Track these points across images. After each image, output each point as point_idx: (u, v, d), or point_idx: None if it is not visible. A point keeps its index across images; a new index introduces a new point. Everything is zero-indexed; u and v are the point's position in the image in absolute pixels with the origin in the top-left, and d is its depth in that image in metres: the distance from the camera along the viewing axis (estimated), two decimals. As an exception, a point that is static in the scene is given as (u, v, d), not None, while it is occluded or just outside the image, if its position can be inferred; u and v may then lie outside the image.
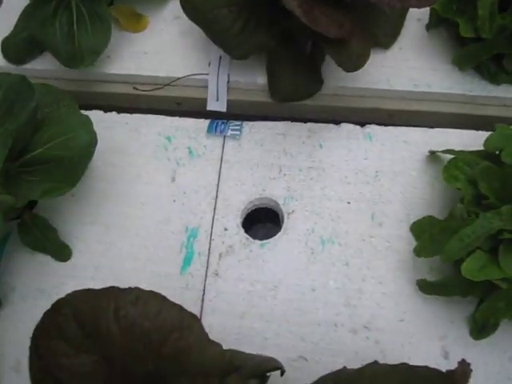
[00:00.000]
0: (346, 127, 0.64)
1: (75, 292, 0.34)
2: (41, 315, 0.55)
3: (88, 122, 0.52)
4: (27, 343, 0.54)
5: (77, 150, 0.51)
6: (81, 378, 0.32)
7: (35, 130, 0.52)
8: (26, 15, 0.68)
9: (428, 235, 0.51)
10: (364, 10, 0.62)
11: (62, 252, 0.57)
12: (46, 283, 0.57)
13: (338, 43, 0.55)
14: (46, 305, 0.55)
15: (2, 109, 0.49)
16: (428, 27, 0.69)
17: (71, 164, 0.51)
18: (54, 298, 0.54)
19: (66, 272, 0.57)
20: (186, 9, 0.63)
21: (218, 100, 0.69)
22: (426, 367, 0.35)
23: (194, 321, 0.32)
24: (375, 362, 0.38)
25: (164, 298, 0.33)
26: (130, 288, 0.33)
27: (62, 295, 0.51)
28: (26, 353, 0.53)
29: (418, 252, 0.51)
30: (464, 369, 0.36)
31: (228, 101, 0.68)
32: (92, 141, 0.51)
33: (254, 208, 0.61)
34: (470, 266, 0.46)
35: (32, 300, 0.56)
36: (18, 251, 0.58)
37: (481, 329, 0.51)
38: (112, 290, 0.33)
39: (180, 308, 0.33)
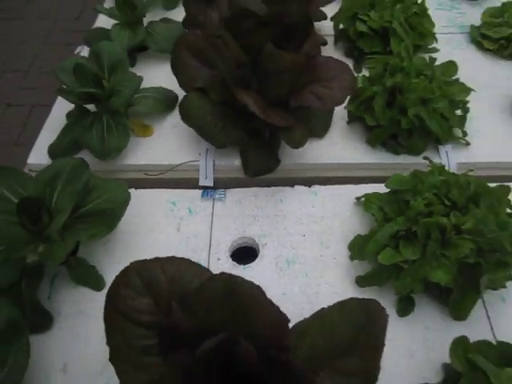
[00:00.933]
0: (298, 188, 0.91)
1: (135, 261, 0.55)
2: (81, 331, 0.74)
3: (124, 185, 0.77)
4: (71, 351, 0.72)
5: (117, 204, 0.75)
6: (138, 312, 0.52)
7: (87, 193, 0.76)
8: (70, 127, 0.97)
9: (357, 245, 0.76)
10: (302, 112, 0.93)
11: (98, 284, 0.77)
12: (86, 307, 0.76)
13: (285, 130, 0.85)
14: (86, 323, 0.75)
15: (68, 179, 0.74)
16: (348, 122, 1.02)
17: (112, 214, 0.75)
18: (93, 319, 0.74)
19: (101, 298, 0.77)
20: (183, 118, 0.93)
21: (207, 178, 0.95)
22: (352, 298, 0.57)
23: (207, 271, 0.54)
24: (323, 308, 0.59)
25: (190, 261, 0.55)
26: (169, 256, 0.55)
27: (96, 317, 0.72)
28: (70, 358, 0.71)
29: (352, 257, 0.75)
30: (374, 301, 0.58)
31: (214, 178, 0.95)
32: (127, 197, 0.76)
33: (238, 246, 0.84)
34: (383, 256, 0.70)
35: (74, 320, 0.75)
36: (64, 286, 0.78)
37: (403, 309, 0.73)
38: (159, 259, 0.55)
39: (200, 265, 0.55)
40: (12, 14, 2.55)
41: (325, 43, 1.17)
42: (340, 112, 1.03)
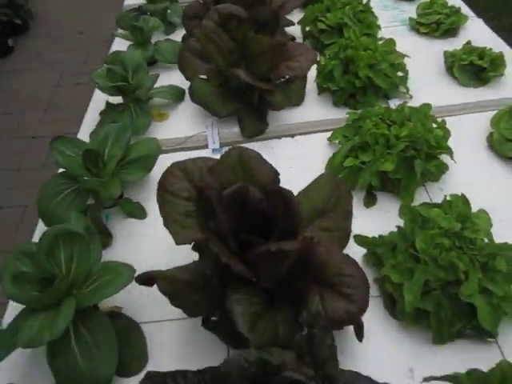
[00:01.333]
0: (284, 139, 1.19)
1: (176, 161, 0.82)
2: (134, 245, 0.99)
3: (155, 139, 1.05)
4: (128, 258, 0.96)
5: (152, 151, 1.03)
6: (180, 191, 0.78)
7: (129, 147, 1.04)
8: (104, 118, 1.26)
9: (329, 162, 1.03)
10: (281, 85, 1.23)
11: (142, 214, 1.04)
12: (134, 230, 1.02)
13: (269, 94, 1.14)
14: (136, 240, 1.00)
15: (115, 137, 1.02)
16: (318, 93, 1.31)
17: (148, 160, 1.03)
18: (141, 236, 1.00)
19: (143, 223, 1.03)
20: (192, 98, 1.23)
21: (214, 143, 1.24)
22: (323, 173, 0.84)
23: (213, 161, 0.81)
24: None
25: (211, 157, 0.82)
26: (198, 156, 0.82)
27: (144, 235, 0.98)
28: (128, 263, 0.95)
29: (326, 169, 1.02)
30: (339, 178, 0.85)
31: (220, 143, 1.23)
32: (159, 147, 1.04)
33: (243, 183, 1.11)
34: (347, 162, 0.97)
35: (127, 239, 1.00)
36: (115, 220, 1.04)
37: (368, 202, 0.99)
38: (190, 158, 0.82)
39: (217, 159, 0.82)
40: (26, 65, 2.92)
41: (293, 39, 1.49)
42: (311, 87, 1.32)
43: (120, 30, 1.71)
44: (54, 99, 2.59)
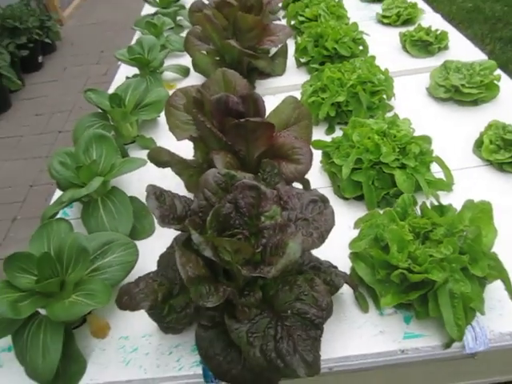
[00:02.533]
0: (267, 96, 1.48)
1: (178, 88, 1.12)
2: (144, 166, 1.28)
3: (164, 89, 1.36)
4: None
5: (161, 97, 1.33)
6: (181, 106, 1.07)
7: (145, 94, 1.35)
8: (125, 85, 1.58)
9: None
10: (266, 57, 1.54)
11: (154, 145, 1.33)
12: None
13: (256, 59, 1.46)
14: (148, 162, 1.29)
15: (134, 87, 1.33)
16: (297, 66, 1.62)
17: (159, 104, 1.33)
18: None
19: (156, 152, 1.32)
20: (195, 68, 1.55)
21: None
22: (288, 96, 1.13)
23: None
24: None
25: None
26: (195, 84, 1.12)
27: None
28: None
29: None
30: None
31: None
32: (167, 93, 1.34)
33: (233, 126, 1.40)
34: (311, 99, 1.26)
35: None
36: (133, 150, 1.34)
37: (328, 131, 1.27)
38: (189, 85, 1.11)
39: (209, 85, 1.11)
40: (53, 77, 3.32)
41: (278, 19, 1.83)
42: (292, 63, 1.64)
43: (138, 30, 2.07)
44: (78, 102, 2.96)
